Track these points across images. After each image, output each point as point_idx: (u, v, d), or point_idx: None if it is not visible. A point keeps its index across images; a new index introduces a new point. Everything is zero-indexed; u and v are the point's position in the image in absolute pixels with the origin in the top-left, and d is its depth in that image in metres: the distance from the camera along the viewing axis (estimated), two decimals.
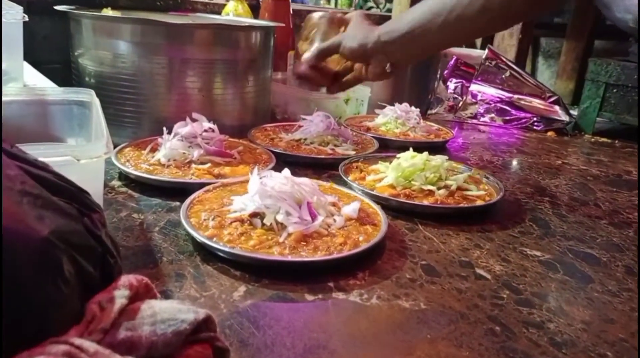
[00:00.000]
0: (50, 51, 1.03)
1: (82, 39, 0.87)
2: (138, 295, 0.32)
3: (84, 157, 0.46)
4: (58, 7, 0.88)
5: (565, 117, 1.25)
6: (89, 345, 0.24)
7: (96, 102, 0.65)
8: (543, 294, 0.49)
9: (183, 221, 0.52)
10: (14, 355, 0.23)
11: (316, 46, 0.77)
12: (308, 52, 0.78)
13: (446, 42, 0.73)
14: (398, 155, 0.73)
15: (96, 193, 0.48)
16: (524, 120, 1.26)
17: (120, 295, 0.30)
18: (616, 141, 1.19)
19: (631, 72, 1.16)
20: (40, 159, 0.35)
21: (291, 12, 1.26)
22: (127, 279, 0.32)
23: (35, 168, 0.33)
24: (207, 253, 0.50)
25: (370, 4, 2.98)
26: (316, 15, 0.83)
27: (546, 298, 0.48)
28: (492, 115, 1.29)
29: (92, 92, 0.67)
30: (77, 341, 0.24)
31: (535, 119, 1.26)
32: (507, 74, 1.29)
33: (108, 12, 1.00)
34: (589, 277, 0.53)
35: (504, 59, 1.32)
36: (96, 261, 0.31)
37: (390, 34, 0.69)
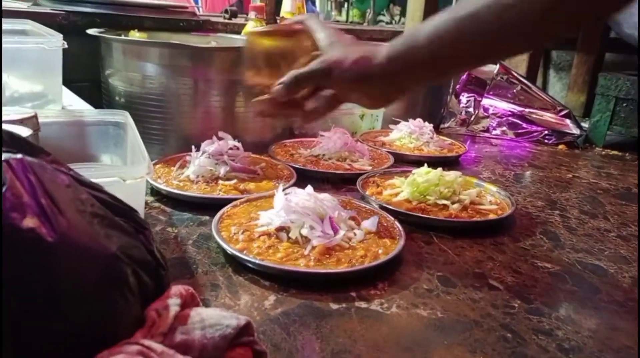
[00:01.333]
0: (79, 70, 1.08)
1: (113, 61, 0.92)
2: (186, 303, 0.37)
3: (129, 177, 0.50)
4: (90, 31, 0.94)
5: (576, 131, 1.28)
6: (157, 346, 0.28)
7: (131, 123, 0.69)
8: (552, 303, 0.52)
9: (215, 235, 0.56)
10: (95, 355, 0.27)
11: (292, 74, 0.54)
12: (278, 85, 0.55)
13: (470, 63, 0.55)
14: (413, 171, 0.77)
15: (139, 210, 0.53)
16: (535, 133, 1.29)
17: (173, 303, 0.34)
18: (627, 154, 1.21)
19: None
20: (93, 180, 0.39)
21: None
22: (177, 289, 0.36)
23: (95, 190, 0.38)
24: (238, 265, 0.54)
25: (384, 17, 3.03)
26: (254, 30, 0.64)
27: (555, 308, 0.51)
28: (504, 129, 1.32)
29: (127, 113, 0.72)
30: (147, 342, 0.28)
31: (546, 132, 1.29)
32: (518, 88, 1.32)
33: (135, 34, 1.05)
34: (596, 288, 0.56)
35: (515, 74, 1.35)
36: (151, 273, 0.35)
37: (405, 55, 0.51)
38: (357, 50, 0.53)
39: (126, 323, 0.30)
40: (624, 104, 1.23)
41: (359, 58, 0.52)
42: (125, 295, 0.31)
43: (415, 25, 0.52)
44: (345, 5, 3.16)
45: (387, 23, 2.96)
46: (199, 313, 0.35)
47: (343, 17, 3.07)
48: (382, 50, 0.51)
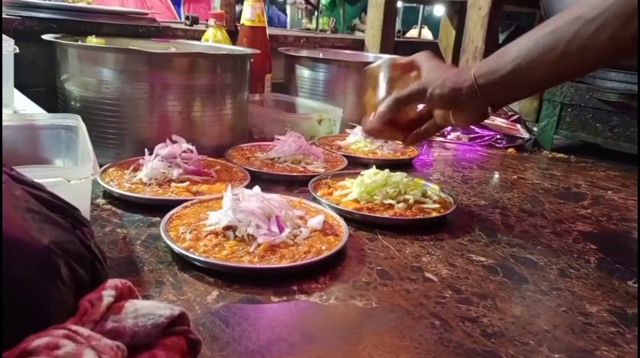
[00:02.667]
0: (36, 75, 1.08)
1: (68, 66, 0.92)
2: (122, 295, 0.38)
3: (73, 178, 0.51)
4: (45, 37, 0.94)
5: (525, 135, 1.34)
6: (84, 330, 0.30)
7: (82, 126, 0.70)
8: (482, 293, 0.56)
9: (162, 234, 0.58)
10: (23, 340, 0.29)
11: (393, 96, 0.66)
12: (382, 105, 0.68)
13: (559, 77, 0.61)
14: (362, 172, 0.80)
15: (84, 210, 0.54)
16: (487, 138, 1.35)
17: (108, 295, 0.36)
18: (572, 157, 1.28)
19: (583, 93, 1.26)
20: (36, 180, 0.41)
21: (268, 36, 1.33)
22: (113, 282, 0.38)
23: (33, 188, 0.39)
24: (184, 263, 0.56)
25: (358, 24, 3.08)
26: (375, 65, 0.74)
27: (484, 297, 0.55)
28: (458, 133, 1.38)
29: (79, 117, 0.73)
30: (74, 327, 0.30)
31: (498, 136, 1.34)
32: None
33: (92, 39, 1.06)
34: (525, 279, 0.60)
35: None
36: (87, 267, 0.37)
37: (490, 76, 0.58)
38: (449, 73, 0.62)
39: (58, 312, 0.32)
40: (569, 109, 1.30)
41: (449, 78, 0.61)
42: (57, 285, 0.32)
43: (506, 46, 0.59)
44: (316, 13, 3.21)
45: (358, 30, 3.02)
46: (133, 305, 0.37)
47: (313, 25, 3.11)
48: (470, 71, 0.60)
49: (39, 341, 0.28)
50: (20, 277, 0.30)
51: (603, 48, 0.52)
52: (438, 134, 1.38)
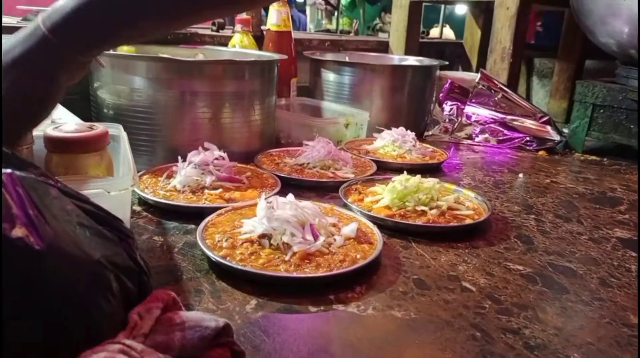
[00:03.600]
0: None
1: (101, 74, 0.94)
2: (168, 307, 0.39)
3: (114, 189, 0.52)
4: None
5: (556, 137, 1.31)
6: (137, 345, 0.30)
7: (124, 135, 0.72)
8: (522, 304, 0.55)
9: (199, 243, 0.59)
10: (79, 355, 0.29)
11: None
12: None
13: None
14: (393, 178, 0.79)
15: (124, 219, 0.55)
16: (516, 140, 1.33)
17: (155, 307, 0.36)
18: (604, 159, 1.25)
19: (616, 93, 1.23)
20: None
21: (293, 41, 1.33)
22: (159, 293, 0.38)
23: (80, 201, 0.40)
24: (221, 271, 0.56)
25: (378, 24, 3.07)
26: None
27: (524, 308, 0.54)
28: (487, 136, 1.36)
29: (120, 126, 0.74)
30: (128, 342, 0.30)
31: (527, 138, 1.32)
32: (500, 96, 1.35)
33: (124, 47, 1.08)
34: (564, 288, 0.59)
35: (496, 82, 1.39)
36: (134, 279, 0.37)
37: (57, 14, 0.43)
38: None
39: (109, 326, 0.32)
40: (601, 111, 1.27)
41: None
42: (109, 299, 0.33)
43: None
44: (335, 13, 3.21)
45: (380, 30, 3.00)
46: (180, 316, 0.37)
47: (333, 26, 3.11)
48: (35, 20, 0.43)
49: (95, 357, 0.28)
50: (74, 293, 0.31)
51: None
52: (466, 136, 1.37)
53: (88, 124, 0.71)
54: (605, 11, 1.23)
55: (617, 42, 1.23)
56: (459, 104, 1.44)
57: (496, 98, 1.35)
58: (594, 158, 1.26)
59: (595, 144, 1.34)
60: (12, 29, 0.99)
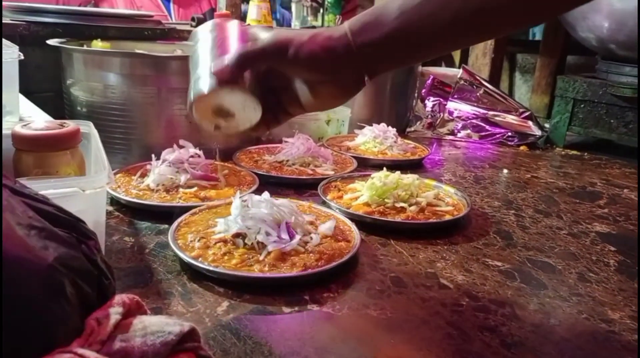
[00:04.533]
0: (42, 80, 1.08)
1: (74, 71, 0.92)
2: (130, 312, 0.37)
3: (89, 188, 0.50)
4: (50, 42, 0.93)
5: (537, 132, 1.31)
6: (90, 353, 0.29)
7: (94, 133, 0.69)
8: (499, 301, 0.54)
9: (171, 243, 0.57)
10: None
11: (238, 50, 0.46)
12: (217, 62, 0.46)
13: (453, 42, 0.48)
14: (372, 174, 0.78)
15: (99, 219, 0.53)
16: (498, 135, 1.33)
17: (115, 312, 0.35)
18: (585, 154, 1.25)
19: (596, 88, 1.23)
20: (44, 192, 0.40)
21: None
22: (120, 298, 0.37)
23: (37, 201, 0.38)
24: (193, 272, 0.55)
25: None
26: (204, 26, 0.54)
27: (502, 305, 0.53)
28: (469, 131, 1.35)
29: (91, 124, 0.72)
30: (80, 350, 0.28)
31: (509, 134, 1.32)
32: (482, 91, 1.35)
33: (98, 43, 1.05)
34: (543, 284, 0.58)
35: (478, 78, 1.38)
36: (93, 283, 0.35)
37: (370, 33, 0.44)
38: (310, 30, 0.47)
39: (63, 333, 0.31)
40: (582, 106, 1.27)
41: (316, 34, 0.45)
42: (62, 305, 0.31)
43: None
44: (321, 10, 3.18)
45: None
46: (141, 321, 0.36)
47: (319, 23, 3.09)
48: (342, 26, 0.46)
49: None
50: (23, 298, 0.29)
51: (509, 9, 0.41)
52: (449, 132, 1.36)
53: (59, 121, 0.69)
54: (586, 6, 1.24)
55: (597, 37, 1.23)
56: (441, 99, 1.43)
57: (478, 94, 1.35)
58: (574, 152, 1.27)
59: (576, 138, 1.35)
60: None
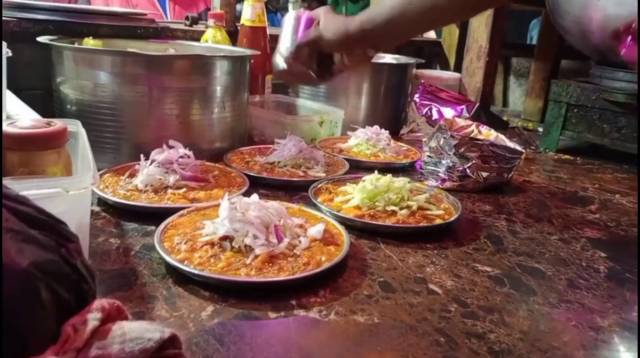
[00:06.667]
0: (32, 78, 1.06)
1: (64, 69, 0.90)
2: (110, 317, 0.36)
3: (73, 188, 0.49)
4: (40, 39, 0.92)
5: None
6: None
7: (82, 132, 0.68)
8: (488, 307, 0.53)
9: (156, 245, 0.56)
10: None
11: (295, 42, 0.79)
12: (284, 50, 0.80)
13: (424, 28, 0.85)
14: (364, 177, 0.78)
15: (83, 220, 0.52)
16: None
17: (93, 318, 0.34)
18: (578, 158, 1.25)
19: (589, 93, 1.23)
20: (27, 192, 0.39)
21: (268, 37, 1.31)
22: (99, 303, 0.36)
23: (16, 203, 0.37)
24: (179, 276, 0.54)
25: None
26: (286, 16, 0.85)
27: (490, 311, 0.53)
28: None
29: (78, 122, 0.71)
30: None
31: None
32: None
33: (89, 41, 1.04)
34: (532, 290, 0.58)
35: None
36: (71, 288, 0.34)
37: (371, 23, 0.72)
38: (337, 20, 0.75)
39: (37, 341, 0.30)
40: (575, 110, 1.27)
41: (339, 27, 0.74)
42: (37, 311, 0.30)
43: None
44: None
45: None
46: (121, 327, 0.35)
47: None
48: (357, 19, 0.73)
49: None
50: None
51: (448, 7, 0.70)
52: None
53: (46, 120, 0.68)
54: (580, 12, 1.23)
55: (592, 42, 1.23)
56: (434, 104, 1.43)
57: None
58: (567, 157, 1.27)
59: (570, 143, 1.35)
60: None
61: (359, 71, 0.84)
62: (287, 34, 0.81)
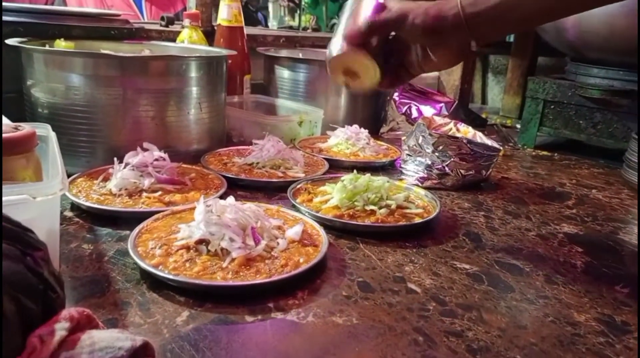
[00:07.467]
0: (4, 80, 1.04)
1: (34, 71, 0.88)
2: (79, 326, 0.35)
3: (40, 195, 0.48)
4: (9, 41, 0.90)
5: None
6: None
7: (52, 136, 0.67)
8: (466, 305, 0.53)
9: (130, 250, 0.55)
10: None
11: (367, 19, 0.57)
12: (349, 28, 0.59)
13: (546, 16, 0.57)
14: (342, 177, 0.77)
15: (52, 227, 0.51)
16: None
17: (60, 328, 0.33)
18: (555, 154, 1.27)
19: (565, 89, 1.25)
20: None
21: (245, 37, 1.30)
22: (67, 312, 0.35)
23: None
24: (153, 281, 0.53)
25: (335, 20, 3.07)
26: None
27: (469, 309, 0.53)
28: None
29: (49, 126, 0.69)
30: None
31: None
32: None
33: (61, 43, 1.02)
34: (510, 287, 0.58)
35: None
36: (37, 298, 0.33)
37: (478, 5, 0.53)
38: (430, 2, 0.56)
39: (2, 353, 0.29)
40: (552, 107, 1.29)
41: (430, 7, 0.55)
42: None
43: None
44: (298, 10, 3.17)
45: None
46: (91, 337, 0.34)
47: (296, 23, 3.08)
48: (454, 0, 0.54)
49: None
50: None
51: None
52: None
53: (13, 124, 0.66)
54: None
55: (566, 39, 1.25)
56: (413, 102, 1.44)
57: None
58: (545, 153, 1.28)
59: (547, 139, 1.36)
60: None
61: (449, 68, 0.62)
62: (352, 17, 0.60)
